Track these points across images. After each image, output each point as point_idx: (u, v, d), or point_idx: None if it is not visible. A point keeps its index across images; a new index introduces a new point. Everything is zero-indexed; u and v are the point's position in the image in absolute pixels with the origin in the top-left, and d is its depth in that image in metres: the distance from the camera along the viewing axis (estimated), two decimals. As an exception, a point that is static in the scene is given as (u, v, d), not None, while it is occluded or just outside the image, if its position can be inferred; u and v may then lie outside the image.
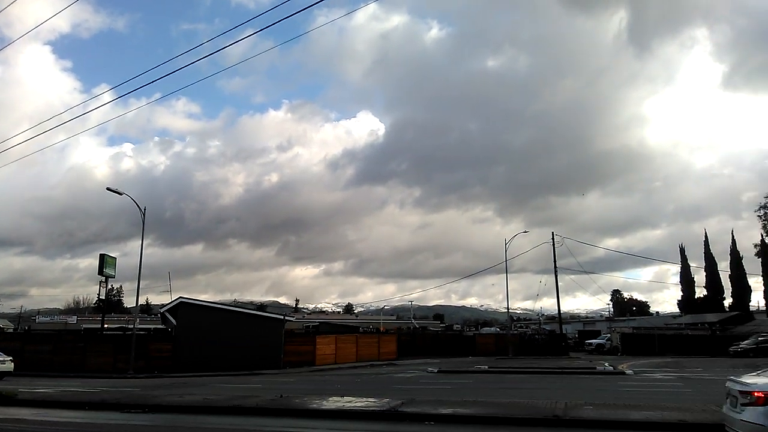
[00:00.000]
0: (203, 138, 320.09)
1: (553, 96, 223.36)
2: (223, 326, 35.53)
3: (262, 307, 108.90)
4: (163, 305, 43.64)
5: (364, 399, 14.25)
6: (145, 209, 35.51)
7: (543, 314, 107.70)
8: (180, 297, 38.14)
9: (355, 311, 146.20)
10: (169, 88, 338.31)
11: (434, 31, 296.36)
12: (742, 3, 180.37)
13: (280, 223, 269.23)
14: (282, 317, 39.39)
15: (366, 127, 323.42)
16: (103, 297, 44.50)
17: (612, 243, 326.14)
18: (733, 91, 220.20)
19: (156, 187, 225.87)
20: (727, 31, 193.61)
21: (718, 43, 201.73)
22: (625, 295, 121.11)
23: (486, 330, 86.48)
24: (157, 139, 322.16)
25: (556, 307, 59.42)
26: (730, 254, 76.81)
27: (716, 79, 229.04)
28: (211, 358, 33.94)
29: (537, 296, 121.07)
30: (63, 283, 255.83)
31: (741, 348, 45.69)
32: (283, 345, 36.27)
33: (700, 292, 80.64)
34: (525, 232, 72.89)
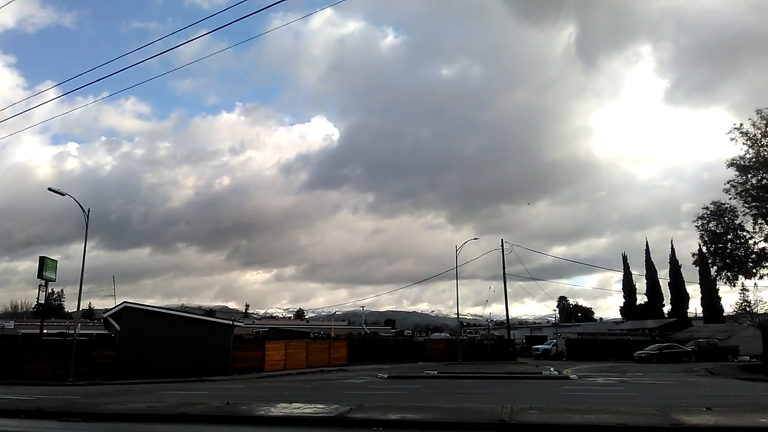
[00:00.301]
0: (153, 139, 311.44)
1: (505, 105, 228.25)
2: (169, 332, 34.74)
3: (210, 312, 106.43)
4: (106, 310, 42.30)
5: (313, 405, 14.17)
6: (89, 211, 34.44)
7: (492, 320, 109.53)
8: (124, 302, 37.06)
9: (306, 317, 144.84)
10: (118, 86, 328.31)
11: (390, 39, 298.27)
12: (684, 21, 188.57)
13: (232, 226, 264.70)
14: (230, 323, 38.78)
15: (320, 132, 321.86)
16: (42, 301, 42.68)
17: (559, 251, 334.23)
18: (674, 106, 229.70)
19: (102, 188, 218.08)
20: (670, 48, 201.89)
21: (661, 60, 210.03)
22: (571, 301, 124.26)
23: (436, 335, 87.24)
24: (103, 138, 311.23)
25: (505, 313, 60.57)
26: (670, 263, 79.95)
27: (659, 95, 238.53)
28: (157, 365, 33.11)
29: (486, 302, 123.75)
30: (1, 287, 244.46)
31: (645, 354, 47.06)
32: (231, 351, 35.70)
33: (641, 299, 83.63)
34: (475, 239, 73.62)
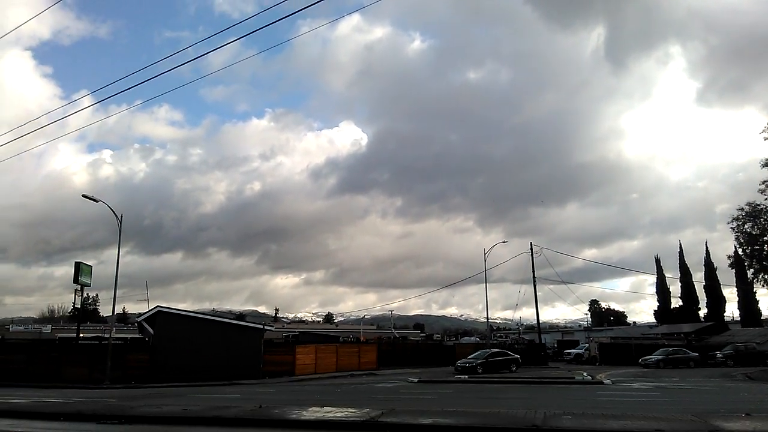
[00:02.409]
0: (185, 145, 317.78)
1: (533, 109, 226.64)
2: (201, 336, 35.19)
3: (241, 316, 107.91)
4: (140, 314, 43.08)
5: (344, 409, 14.20)
6: (121, 217, 35.12)
7: (522, 324, 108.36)
8: (158, 306, 37.70)
9: (335, 321, 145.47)
10: (151, 94, 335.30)
11: (417, 43, 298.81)
12: (713, 21, 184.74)
13: (262, 231, 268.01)
14: (261, 327, 39.14)
15: (349, 137, 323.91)
16: (78, 306, 43.80)
17: (590, 254, 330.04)
18: (706, 107, 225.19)
19: (135, 194, 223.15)
20: (700, 49, 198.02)
21: (691, 60, 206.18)
22: (603, 305, 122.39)
23: (466, 340, 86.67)
24: (137, 146, 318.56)
25: (535, 317, 59.86)
26: (705, 265, 78.14)
27: (690, 95, 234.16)
28: (189, 368, 33.57)
29: (516, 306, 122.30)
30: (38, 292, 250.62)
31: (468, 364, 38.51)
32: (262, 355, 36.03)
33: (676, 302, 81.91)
34: (504, 242, 73.52)
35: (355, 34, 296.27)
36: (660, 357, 44.39)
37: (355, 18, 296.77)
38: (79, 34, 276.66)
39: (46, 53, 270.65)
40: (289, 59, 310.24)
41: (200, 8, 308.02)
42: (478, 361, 38.51)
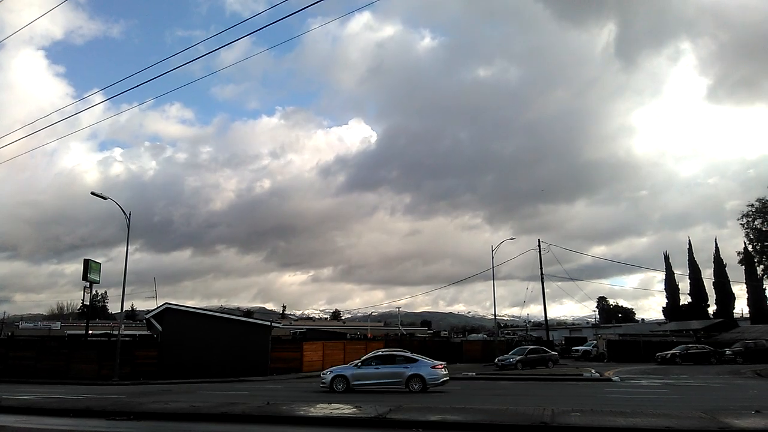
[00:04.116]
0: (195, 143, 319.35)
1: (543, 106, 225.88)
2: (209, 332, 35.31)
3: (248, 313, 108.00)
4: (148, 311, 43.21)
5: (352, 406, 14.21)
6: (130, 214, 35.18)
7: (530, 321, 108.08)
8: (166, 303, 37.80)
9: (343, 318, 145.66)
10: (162, 92, 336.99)
11: (427, 41, 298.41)
12: (723, 18, 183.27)
13: (270, 228, 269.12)
14: (269, 323, 39.20)
15: (358, 135, 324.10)
16: (87, 303, 43.89)
17: (599, 250, 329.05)
18: (717, 104, 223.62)
19: (145, 192, 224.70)
20: (711, 45, 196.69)
21: (701, 57, 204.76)
22: (611, 302, 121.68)
23: (473, 337, 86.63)
24: (147, 143, 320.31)
25: (543, 314, 59.67)
26: (714, 262, 77.59)
27: (701, 92, 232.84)
28: (197, 365, 33.71)
29: (524, 303, 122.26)
30: (47, 289, 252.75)
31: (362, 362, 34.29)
32: (269, 351, 36.10)
33: (685, 299, 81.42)
34: (511, 239, 73.28)
35: (365, 31, 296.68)
36: (519, 357, 41.94)
37: (366, 16, 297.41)
38: (92, 33, 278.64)
39: (59, 53, 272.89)
40: (300, 58, 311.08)
41: (212, 8, 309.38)
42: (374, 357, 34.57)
